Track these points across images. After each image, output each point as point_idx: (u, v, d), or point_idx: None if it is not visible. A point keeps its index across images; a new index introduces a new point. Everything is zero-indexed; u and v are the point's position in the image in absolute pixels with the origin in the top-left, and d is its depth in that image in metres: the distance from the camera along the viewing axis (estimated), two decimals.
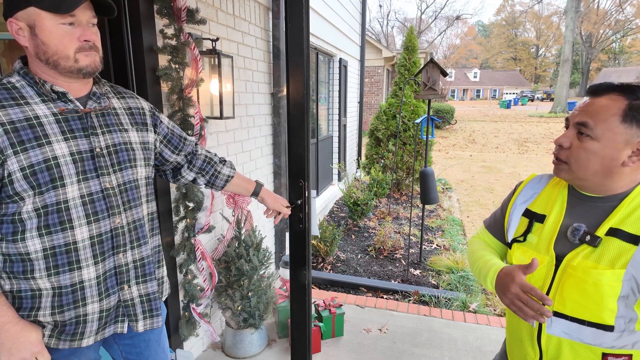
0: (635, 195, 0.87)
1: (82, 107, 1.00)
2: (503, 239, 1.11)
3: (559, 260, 0.91)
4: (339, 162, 6.17)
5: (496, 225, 1.13)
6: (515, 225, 1.04)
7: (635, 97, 0.84)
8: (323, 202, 5.08)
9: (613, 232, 0.85)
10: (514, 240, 1.02)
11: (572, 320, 0.89)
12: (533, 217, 1.00)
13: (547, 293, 0.92)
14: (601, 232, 0.87)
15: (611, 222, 0.87)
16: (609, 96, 0.86)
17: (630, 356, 0.87)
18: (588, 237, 0.87)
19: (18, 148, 0.89)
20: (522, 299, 0.85)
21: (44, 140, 0.92)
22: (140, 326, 1.12)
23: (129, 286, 1.09)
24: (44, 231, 0.94)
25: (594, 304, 0.86)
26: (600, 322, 0.86)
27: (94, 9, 0.98)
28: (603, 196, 0.91)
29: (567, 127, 0.93)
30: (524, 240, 0.99)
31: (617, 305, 0.84)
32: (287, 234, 3.31)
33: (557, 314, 0.91)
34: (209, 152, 1.39)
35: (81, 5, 0.93)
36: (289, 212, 1.57)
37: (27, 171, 0.90)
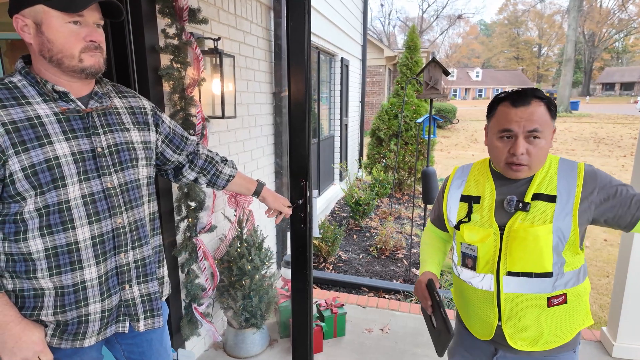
0: (543, 166, 1.09)
1: (83, 107, 0.99)
2: (445, 228, 1.33)
3: (502, 229, 1.10)
4: (341, 161, 6.17)
5: (438, 219, 1.34)
6: (455, 211, 1.21)
7: (545, 100, 1.06)
8: (325, 202, 5.08)
9: (536, 197, 1.07)
10: (460, 222, 1.19)
11: (522, 276, 1.07)
12: (470, 200, 1.18)
13: (499, 258, 1.10)
14: (528, 198, 1.07)
15: (533, 189, 1.08)
16: (534, 102, 1.05)
17: (565, 295, 1.08)
18: (520, 205, 1.07)
19: (19, 148, 0.89)
20: (422, 297, 1.18)
21: (45, 140, 0.92)
22: (142, 326, 1.12)
23: (130, 286, 1.09)
24: (45, 231, 0.94)
25: (536, 256, 1.05)
26: (543, 271, 1.06)
27: (101, 11, 0.98)
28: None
29: (508, 137, 1.07)
30: (469, 220, 1.16)
31: (552, 254, 1.05)
32: (289, 234, 3.31)
33: (510, 274, 1.09)
34: (211, 151, 1.39)
35: (90, 6, 0.93)
36: (290, 212, 1.57)
37: (29, 171, 0.90)
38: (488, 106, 1.15)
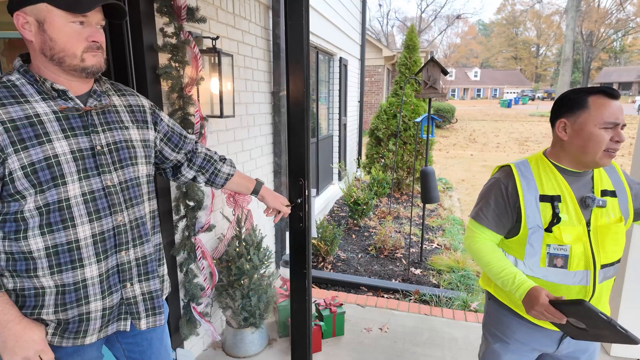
0: None
1: (82, 105, 0.99)
2: (505, 233, 1.25)
3: (587, 225, 1.15)
4: (339, 161, 6.17)
5: (503, 224, 1.23)
6: (537, 213, 1.16)
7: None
8: (323, 202, 5.08)
9: (603, 193, 1.16)
10: (551, 224, 1.15)
11: (610, 265, 1.17)
12: (552, 200, 1.15)
13: (592, 254, 1.15)
14: (597, 194, 1.16)
15: (598, 186, 1.17)
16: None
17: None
18: (600, 202, 1.14)
19: (19, 146, 0.89)
20: (545, 315, 1.05)
21: (44, 139, 0.92)
22: (143, 324, 1.12)
23: (132, 284, 1.09)
24: (46, 229, 0.94)
25: (619, 247, 1.17)
26: (619, 258, 1.19)
27: (103, 12, 0.99)
28: (583, 170, 1.17)
29: (620, 128, 1.12)
30: (559, 220, 1.14)
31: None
32: (287, 233, 3.30)
33: (603, 266, 1.16)
34: (209, 150, 1.39)
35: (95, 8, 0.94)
36: (289, 211, 1.57)
37: (28, 169, 0.90)
38: (571, 99, 1.15)
